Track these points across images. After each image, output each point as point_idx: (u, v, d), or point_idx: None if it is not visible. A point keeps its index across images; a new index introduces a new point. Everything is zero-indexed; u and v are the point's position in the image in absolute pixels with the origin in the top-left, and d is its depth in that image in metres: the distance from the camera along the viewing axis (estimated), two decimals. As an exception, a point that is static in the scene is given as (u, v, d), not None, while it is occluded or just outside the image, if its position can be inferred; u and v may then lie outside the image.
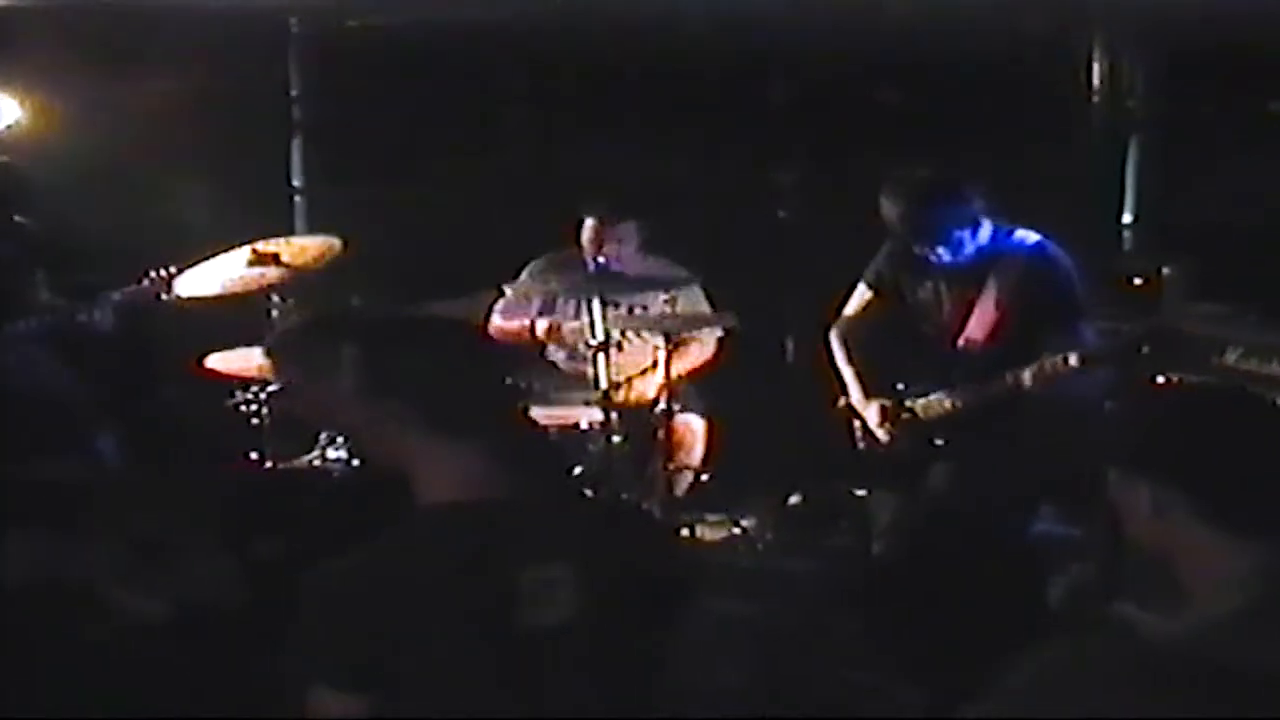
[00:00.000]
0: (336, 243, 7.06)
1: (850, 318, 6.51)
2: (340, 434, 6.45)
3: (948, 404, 6.14)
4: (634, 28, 8.06)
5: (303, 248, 7.03)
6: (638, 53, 8.19)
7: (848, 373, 6.45)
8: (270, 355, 3.63)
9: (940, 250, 6.05)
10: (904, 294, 6.37)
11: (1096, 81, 8.24)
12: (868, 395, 6.36)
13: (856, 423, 6.40)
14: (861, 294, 6.49)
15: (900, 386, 6.29)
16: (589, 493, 6.59)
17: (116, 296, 7.29)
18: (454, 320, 3.53)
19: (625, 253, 7.39)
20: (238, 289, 6.88)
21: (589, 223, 7.44)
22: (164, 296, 7.17)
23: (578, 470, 6.88)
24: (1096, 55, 8.22)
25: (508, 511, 3.05)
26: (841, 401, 6.46)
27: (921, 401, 6.21)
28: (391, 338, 3.19)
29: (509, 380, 3.36)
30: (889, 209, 6.07)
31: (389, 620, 2.92)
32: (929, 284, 6.28)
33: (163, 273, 7.14)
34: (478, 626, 2.98)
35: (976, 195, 6.07)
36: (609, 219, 7.42)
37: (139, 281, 7.22)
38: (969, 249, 6.05)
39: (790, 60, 8.36)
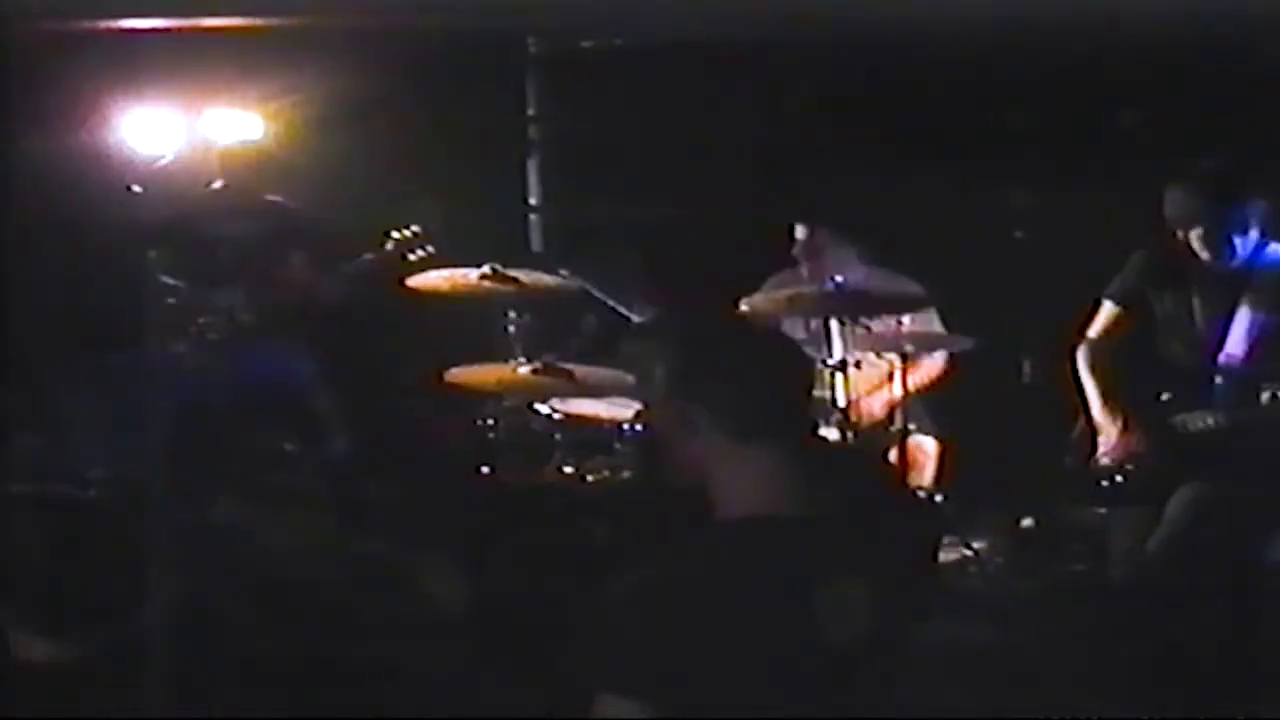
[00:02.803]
0: (575, 285, 7.13)
1: (1096, 337, 6.40)
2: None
3: (1209, 420, 6.03)
4: (869, 47, 8.05)
5: (542, 281, 7.08)
6: (873, 73, 8.18)
7: (1090, 388, 6.35)
8: None
9: (1236, 242, 5.97)
10: (1153, 308, 6.28)
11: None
12: (1110, 409, 6.27)
13: (1100, 438, 6.29)
14: (1108, 312, 6.38)
15: (1164, 397, 6.19)
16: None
17: (363, 261, 7.44)
18: (768, 328, 3.49)
19: (851, 268, 7.32)
20: (468, 292, 6.95)
21: (811, 235, 7.40)
22: (409, 257, 7.29)
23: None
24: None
25: (805, 527, 3.06)
26: (1082, 420, 6.36)
27: (1181, 417, 6.10)
28: (704, 341, 3.20)
29: (810, 393, 3.30)
30: (1181, 203, 6.02)
31: (686, 631, 2.92)
32: (1182, 297, 6.17)
33: (406, 233, 7.26)
34: (769, 642, 2.98)
35: (1259, 200, 6.01)
36: (834, 237, 7.38)
37: (381, 245, 7.37)
38: (1242, 253, 5.98)
39: (1027, 81, 8.30)
